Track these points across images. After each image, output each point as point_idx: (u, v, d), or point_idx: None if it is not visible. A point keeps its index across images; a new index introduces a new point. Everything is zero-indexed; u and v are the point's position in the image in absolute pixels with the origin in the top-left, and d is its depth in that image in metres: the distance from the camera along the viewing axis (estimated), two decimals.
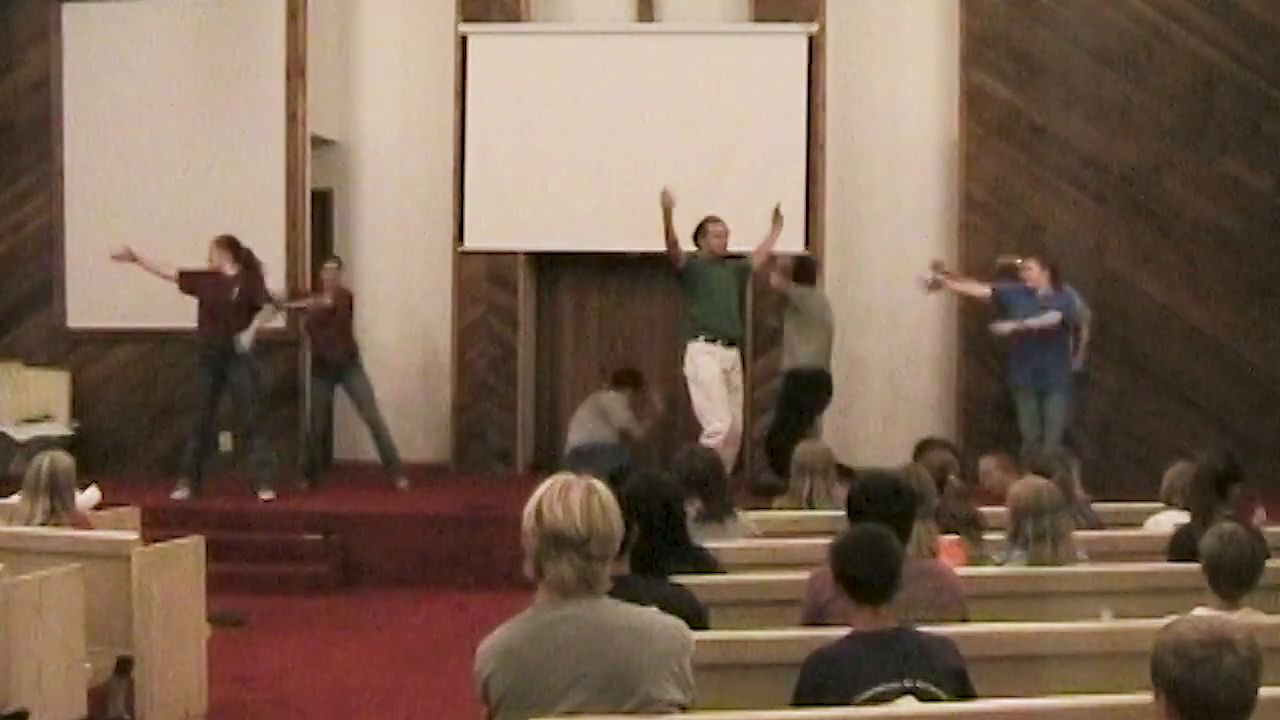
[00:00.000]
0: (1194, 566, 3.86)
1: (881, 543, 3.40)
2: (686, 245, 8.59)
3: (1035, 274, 8.82)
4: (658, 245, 8.77)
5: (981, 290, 9.07)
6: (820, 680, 3.23)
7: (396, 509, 8.68)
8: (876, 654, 3.23)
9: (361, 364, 9.27)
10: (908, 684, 3.16)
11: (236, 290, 8.83)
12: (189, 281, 8.90)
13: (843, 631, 3.51)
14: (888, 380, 10.09)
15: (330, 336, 9.17)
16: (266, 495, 8.85)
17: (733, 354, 8.64)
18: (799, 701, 3.27)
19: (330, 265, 9.33)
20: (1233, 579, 3.65)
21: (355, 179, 10.49)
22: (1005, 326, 8.81)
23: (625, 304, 10.32)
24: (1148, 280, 9.58)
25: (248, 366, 8.89)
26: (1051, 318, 8.74)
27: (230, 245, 8.86)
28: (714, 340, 8.58)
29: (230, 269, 8.84)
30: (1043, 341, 8.72)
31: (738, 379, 8.71)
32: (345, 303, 9.25)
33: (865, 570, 3.33)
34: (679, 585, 3.75)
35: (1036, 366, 8.78)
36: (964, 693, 3.25)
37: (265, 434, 9.03)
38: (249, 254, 8.91)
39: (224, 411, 9.78)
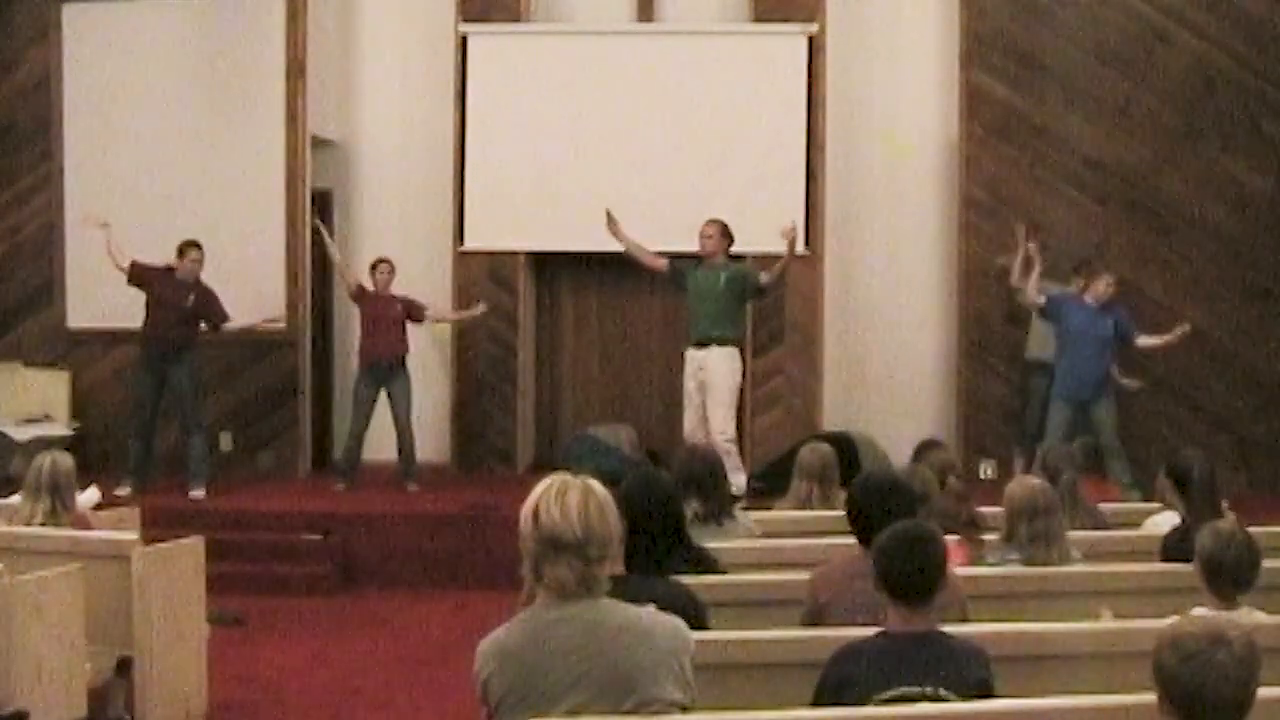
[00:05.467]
0: (1193, 567, 3.86)
1: (925, 544, 3.35)
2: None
3: (1101, 289, 8.66)
4: (659, 245, 8.81)
5: (1037, 300, 8.79)
6: (844, 675, 3.23)
7: (396, 509, 8.68)
8: (903, 655, 3.21)
9: (408, 369, 9.28)
10: (929, 689, 3.15)
11: (192, 298, 8.86)
12: (140, 273, 8.91)
13: (844, 632, 3.52)
14: (888, 380, 10.08)
15: (389, 335, 9.17)
16: (198, 493, 8.87)
17: (701, 354, 8.55)
18: (820, 695, 3.27)
19: (384, 267, 9.27)
20: (1231, 580, 3.65)
21: (355, 179, 10.49)
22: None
23: (625, 304, 10.32)
24: (1148, 280, 9.58)
25: (188, 366, 8.91)
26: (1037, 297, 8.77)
27: (201, 259, 8.92)
28: (689, 343, 8.65)
29: (192, 275, 8.87)
30: (1095, 355, 8.61)
31: (711, 377, 8.51)
32: (403, 306, 9.24)
33: (905, 569, 3.28)
34: (677, 583, 3.75)
35: (1085, 378, 8.62)
36: None
37: (203, 432, 9.11)
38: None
39: (226, 411, 9.83)
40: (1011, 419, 9.64)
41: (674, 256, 8.79)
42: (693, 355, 8.60)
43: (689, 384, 8.60)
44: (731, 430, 8.57)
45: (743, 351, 8.86)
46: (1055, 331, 8.85)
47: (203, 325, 9.03)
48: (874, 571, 3.37)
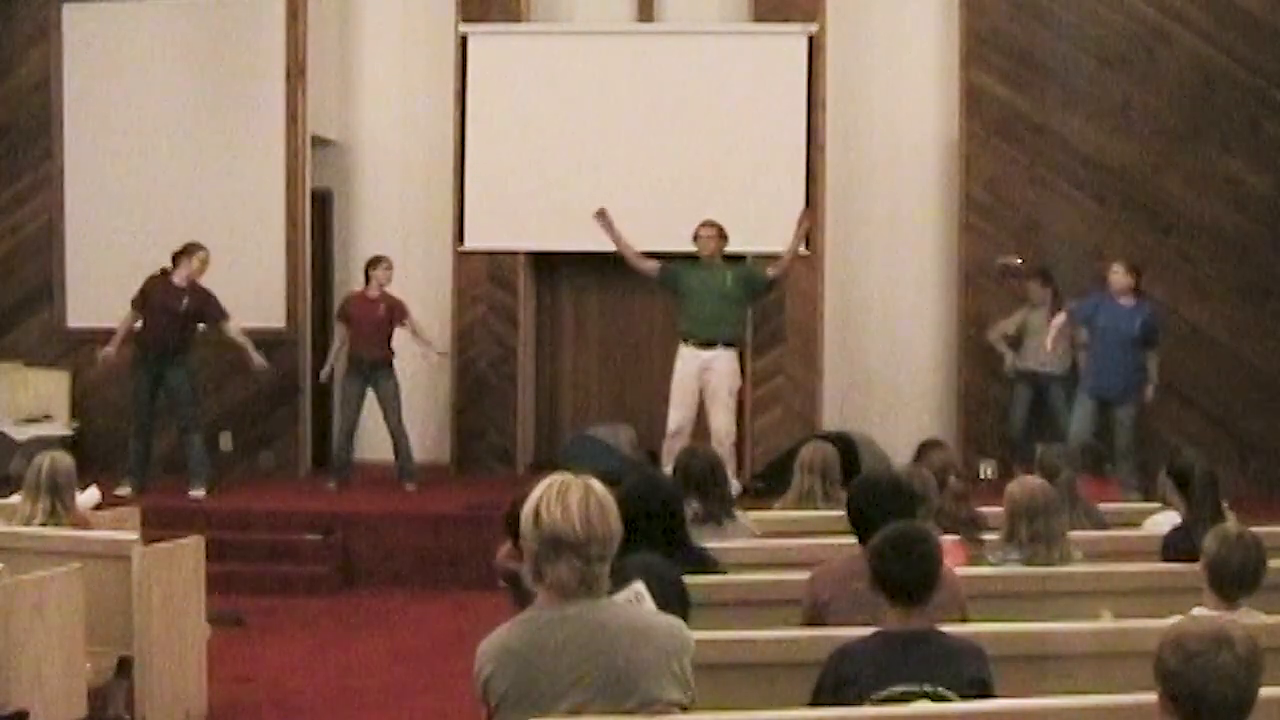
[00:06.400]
0: (1194, 566, 3.86)
1: (920, 544, 3.37)
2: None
3: (1121, 279, 8.55)
4: (659, 245, 8.82)
5: (1058, 320, 8.73)
6: (842, 675, 3.24)
7: (396, 509, 8.68)
8: (901, 655, 3.22)
9: (395, 369, 9.28)
10: (927, 688, 3.16)
11: (186, 301, 8.84)
12: (139, 302, 8.92)
13: (844, 631, 3.52)
14: (888, 380, 10.08)
15: (372, 337, 9.16)
16: (198, 493, 8.87)
17: (707, 355, 8.58)
18: (819, 694, 3.28)
19: (384, 266, 9.24)
20: (1236, 582, 3.65)
21: (355, 179, 10.48)
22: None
23: (625, 304, 10.31)
24: (1148, 280, 9.54)
25: (185, 368, 8.92)
26: (1057, 320, 8.71)
27: (206, 263, 8.92)
28: (687, 342, 8.63)
29: (192, 277, 8.87)
30: (1120, 353, 8.51)
31: (715, 380, 8.56)
32: (394, 307, 9.23)
33: (901, 570, 3.30)
34: (653, 555, 3.73)
35: (1109, 376, 8.55)
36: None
37: (202, 432, 9.10)
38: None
39: (226, 411, 9.83)
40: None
41: (663, 257, 8.77)
42: (695, 354, 8.58)
43: (689, 382, 8.58)
44: (734, 433, 8.62)
45: (741, 353, 8.89)
46: (1087, 331, 8.79)
47: (201, 326, 9.01)
48: (869, 572, 3.38)
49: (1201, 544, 3.76)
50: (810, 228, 8.92)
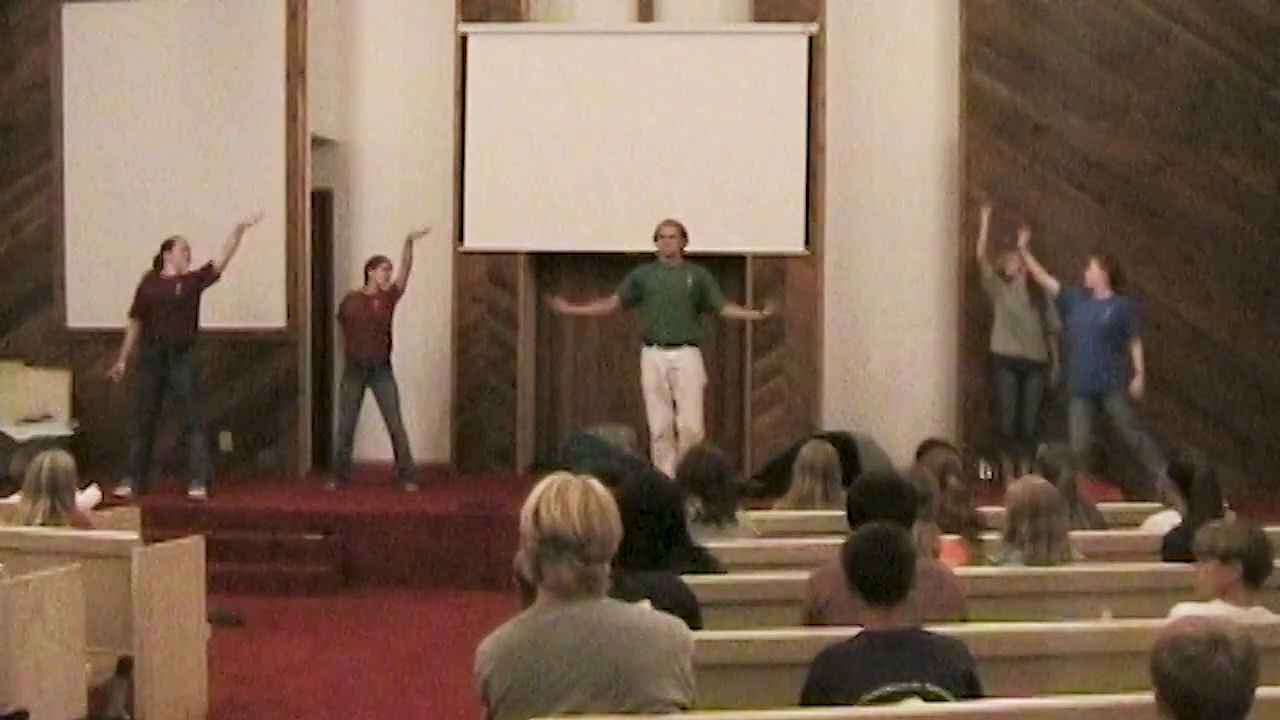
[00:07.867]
0: (1194, 566, 3.86)
1: (894, 542, 3.37)
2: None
3: (1094, 273, 8.67)
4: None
5: (1052, 283, 8.96)
6: (829, 678, 3.23)
7: (396, 509, 8.68)
8: (886, 654, 3.22)
9: (392, 368, 9.27)
10: (916, 685, 3.16)
11: (179, 286, 8.90)
12: (138, 305, 8.97)
13: (844, 631, 3.51)
14: (888, 380, 10.08)
15: (369, 337, 9.16)
16: (198, 493, 8.89)
17: (673, 355, 8.63)
18: (807, 698, 3.27)
19: (384, 266, 9.25)
20: (1266, 570, 3.64)
21: (355, 179, 10.49)
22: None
23: None
24: (1148, 280, 9.57)
25: (189, 366, 8.94)
26: (1051, 283, 8.90)
27: (187, 249, 9.00)
28: (650, 344, 8.70)
29: (180, 267, 8.94)
30: (1096, 345, 8.55)
31: (683, 379, 8.65)
32: (388, 304, 9.24)
33: (877, 570, 3.30)
34: (669, 575, 3.74)
35: (1090, 369, 8.58)
36: (973, 696, 3.23)
37: (204, 432, 9.11)
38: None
39: (226, 411, 9.83)
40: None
41: (654, 258, 8.78)
42: (661, 355, 8.66)
43: (661, 384, 8.66)
44: (703, 431, 8.68)
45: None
46: (1063, 323, 8.93)
47: (202, 312, 9.02)
48: (845, 576, 3.38)
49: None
50: (767, 314, 8.99)
